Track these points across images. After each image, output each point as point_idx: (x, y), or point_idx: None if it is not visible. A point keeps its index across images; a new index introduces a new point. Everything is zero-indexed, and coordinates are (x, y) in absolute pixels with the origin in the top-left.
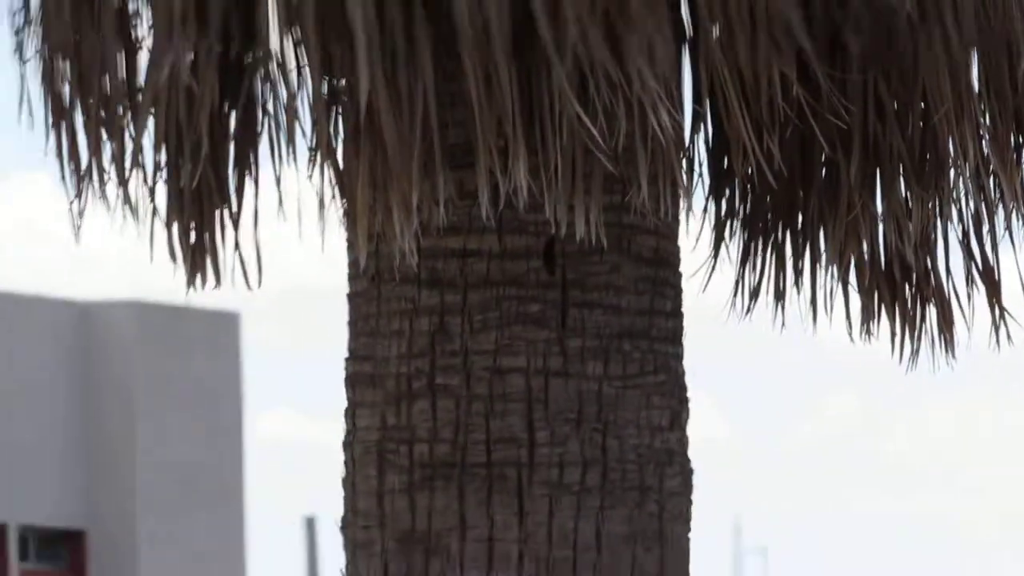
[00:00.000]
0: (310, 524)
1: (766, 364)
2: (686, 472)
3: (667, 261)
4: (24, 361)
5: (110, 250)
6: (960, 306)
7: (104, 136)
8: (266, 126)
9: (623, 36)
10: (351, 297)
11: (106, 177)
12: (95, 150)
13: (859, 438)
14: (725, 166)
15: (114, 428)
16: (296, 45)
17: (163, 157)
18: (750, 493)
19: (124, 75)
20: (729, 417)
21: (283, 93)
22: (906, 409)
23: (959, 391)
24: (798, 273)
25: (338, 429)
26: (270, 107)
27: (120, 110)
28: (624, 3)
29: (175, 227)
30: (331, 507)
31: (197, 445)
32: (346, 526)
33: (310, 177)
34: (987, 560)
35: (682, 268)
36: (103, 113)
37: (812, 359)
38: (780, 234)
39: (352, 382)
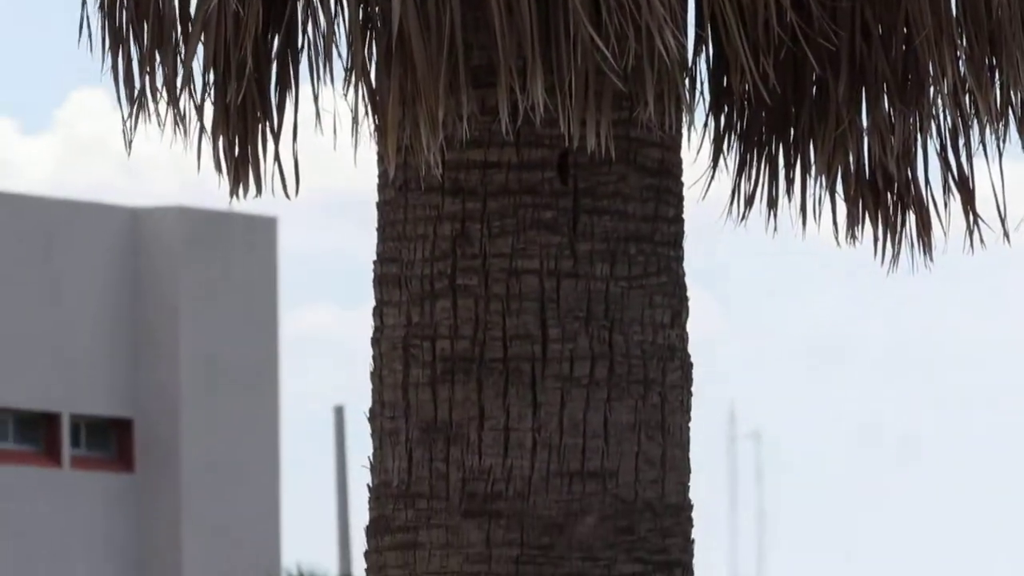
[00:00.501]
0: (340, 414)
1: (760, 266)
2: (686, 366)
3: (670, 171)
4: (78, 263)
5: (160, 161)
6: (937, 213)
7: (157, 58)
8: (306, 49)
9: None
10: (380, 205)
11: (159, 95)
12: (149, 71)
13: (844, 333)
14: (724, 85)
15: (159, 324)
16: None
17: (211, 77)
18: (744, 383)
19: (177, 1)
20: (725, 314)
21: (322, 18)
22: (886, 307)
23: (935, 291)
24: (789, 183)
25: (367, 326)
26: (310, 31)
27: (173, 34)
28: None
29: (221, 140)
30: (360, 399)
31: (235, 340)
32: (373, 416)
33: (345, 95)
34: (968, 443)
35: (683, 178)
36: (157, 37)
37: (799, 262)
38: (774, 147)
39: (380, 283)
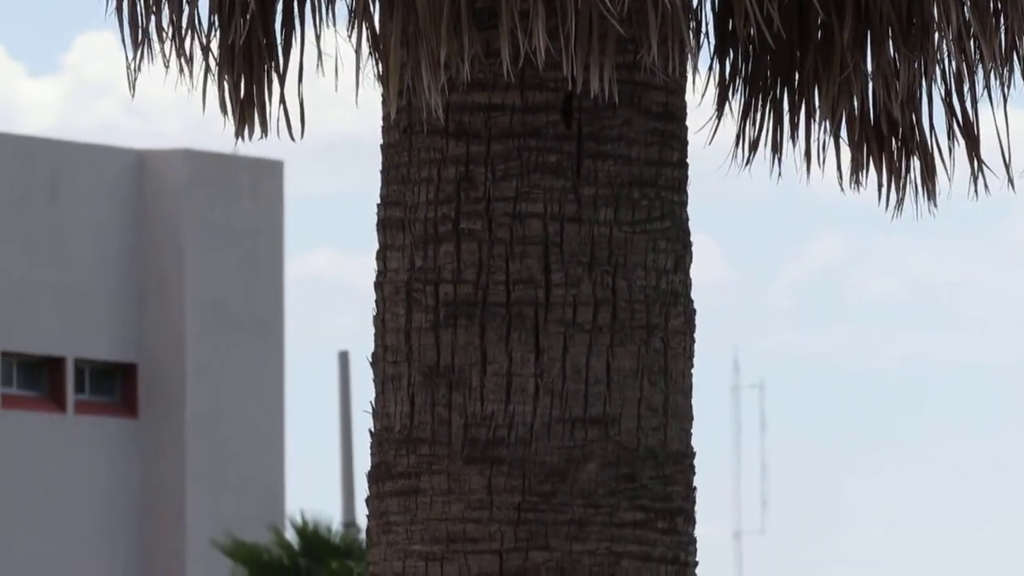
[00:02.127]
0: (344, 359)
1: (763, 212)
2: (689, 312)
3: (674, 115)
4: (84, 205)
5: (166, 103)
6: (942, 158)
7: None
8: None
9: None
10: (384, 148)
11: (165, 36)
12: (155, 11)
13: (846, 278)
14: (730, 28)
15: (164, 267)
16: None
17: (216, 18)
18: (749, 331)
19: None
20: (728, 260)
21: None
22: (889, 252)
23: (939, 236)
24: (794, 127)
25: (372, 271)
26: None
27: None
28: None
29: (226, 81)
30: (364, 343)
31: (240, 283)
32: (376, 361)
33: (349, 37)
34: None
35: (688, 122)
36: None
37: (804, 207)
38: (778, 91)
39: (383, 226)
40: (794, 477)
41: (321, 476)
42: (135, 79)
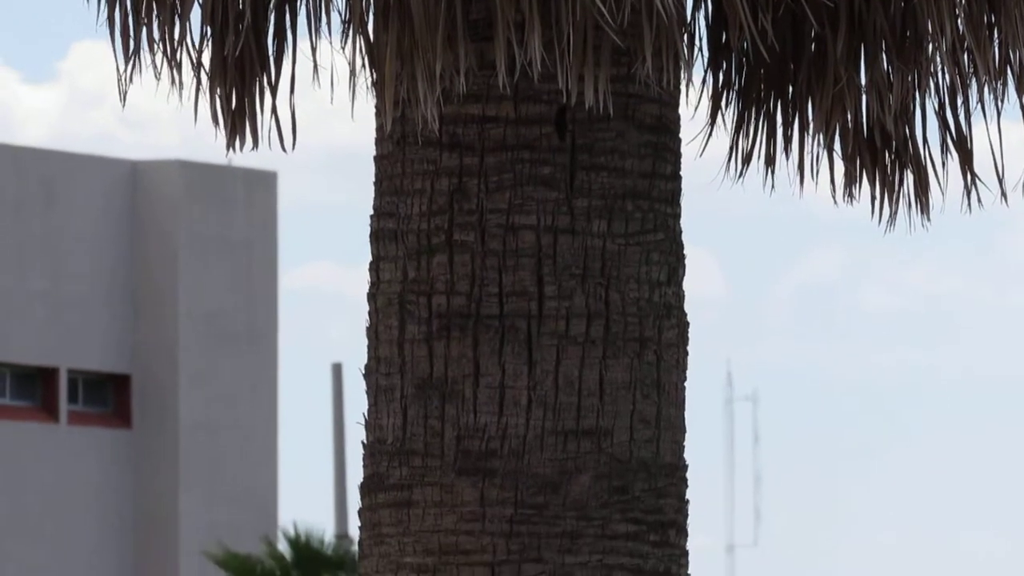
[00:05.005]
0: (337, 370)
1: (756, 225)
2: (682, 324)
3: (668, 128)
4: (78, 215)
5: (161, 114)
6: (935, 172)
7: (155, 9)
8: (304, 1)
9: None
10: (378, 159)
11: (156, 47)
12: (146, 23)
13: (840, 292)
14: (723, 41)
15: (158, 278)
16: None
17: (208, 29)
18: (742, 344)
19: None
20: (722, 273)
21: None
22: (883, 266)
23: (932, 250)
24: (787, 140)
25: (365, 282)
26: None
27: None
28: None
29: (218, 93)
30: (358, 355)
31: (234, 294)
32: (369, 373)
33: (343, 48)
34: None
35: (681, 135)
36: None
37: (798, 221)
38: (772, 104)
39: (377, 237)
40: (787, 490)
41: (314, 487)
42: (126, 90)
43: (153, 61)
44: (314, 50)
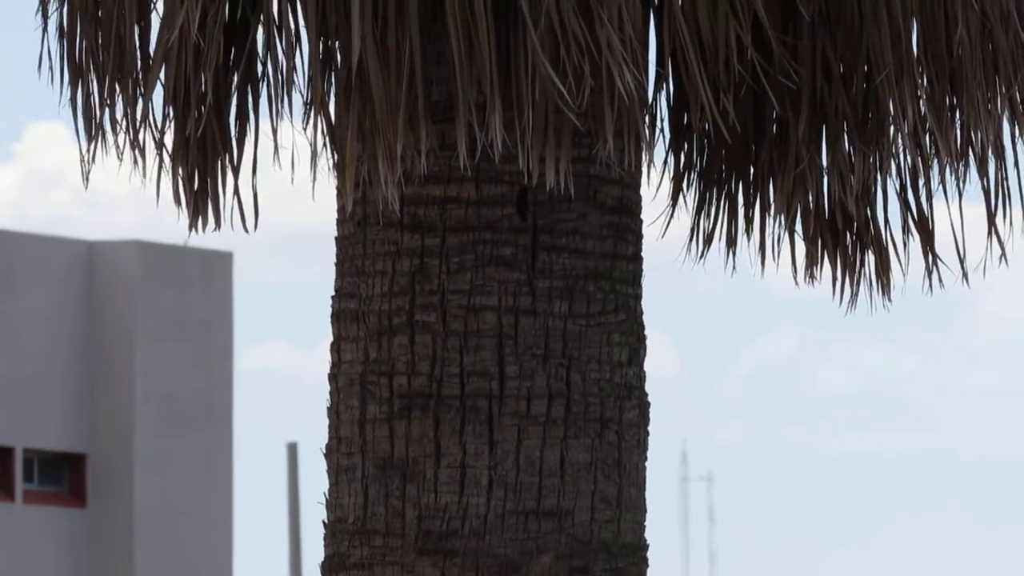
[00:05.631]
0: (292, 450)
1: (716, 306)
2: (643, 405)
3: (629, 209)
4: (35, 295)
5: (119, 194)
6: (896, 253)
7: (117, 90)
8: (265, 82)
9: (594, 7)
10: (339, 240)
11: (118, 127)
12: (109, 104)
13: (798, 372)
14: (685, 122)
15: (114, 358)
16: (294, 8)
17: (170, 110)
18: (697, 423)
19: (137, 32)
20: (680, 353)
21: (282, 51)
22: (841, 346)
23: (892, 330)
24: (749, 221)
25: (321, 362)
26: (269, 64)
27: (133, 66)
28: None
29: (180, 173)
30: (312, 435)
31: (190, 374)
32: (329, 452)
33: (304, 129)
34: (915, 499)
35: (643, 215)
36: (118, 68)
37: (757, 301)
38: (733, 185)
39: (338, 318)
40: (742, 570)
41: (269, 568)
42: (88, 171)
43: (116, 142)
44: (275, 130)
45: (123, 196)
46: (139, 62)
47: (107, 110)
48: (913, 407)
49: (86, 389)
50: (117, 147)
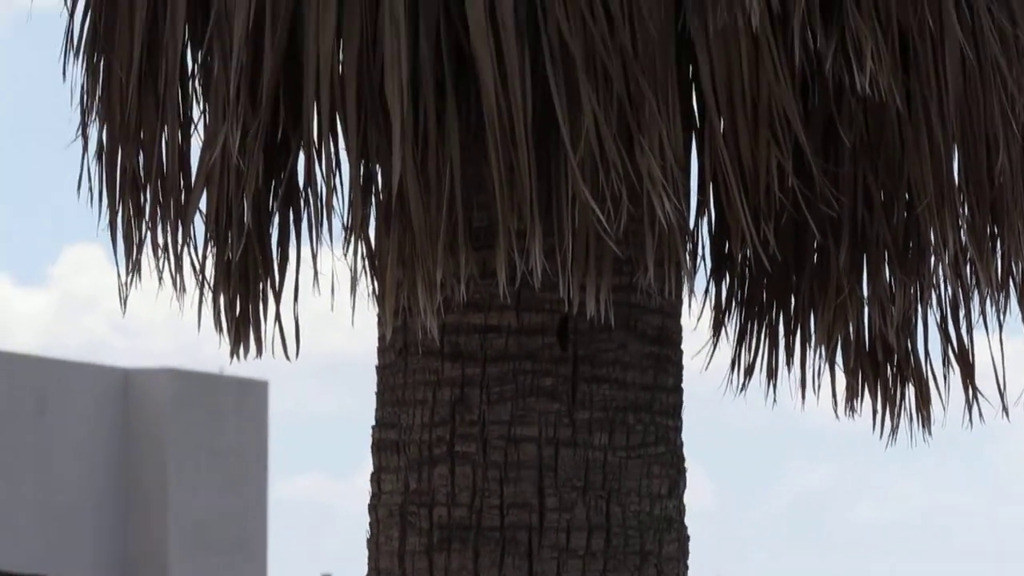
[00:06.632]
0: None
1: (754, 437)
2: (682, 538)
3: (670, 339)
4: (68, 422)
5: (153, 320)
6: (936, 386)
7: (159, 214)
8: (307, 206)
9: (635, 134)
10: (380, 369)
11: (160, 253)
12: (151, 228)
13: (838, 505)
14: (726, 250)
15: (148, 486)
16: (335, 130)
17: (212, 235)
18: (733, 557)
19: (179, 155)
20: (717, 485)
21: (322, 176)
22: (879, 479)
23: (933, 464)
24: (789, 353)
25: (356, 493)
26: (310, 189)
27: (175, 190)
28: (639, 100)
29: (221, 299)
30: (347, 566)
31: (224, 503)
32: None
33: (345, 255)
34: None
35: (683, 346)
36: (158, 193)
37: (796, 432)
38: (774, 316)
39: (378, 448)
40: None
41: None
42: (126, 296)
43: (158, 265)
44: (315, 257)
45: (158, 322)
46: (180, 184)
47: (149, 234)
48: (950, 542)
49: (119, 517)
50: (159, 271)
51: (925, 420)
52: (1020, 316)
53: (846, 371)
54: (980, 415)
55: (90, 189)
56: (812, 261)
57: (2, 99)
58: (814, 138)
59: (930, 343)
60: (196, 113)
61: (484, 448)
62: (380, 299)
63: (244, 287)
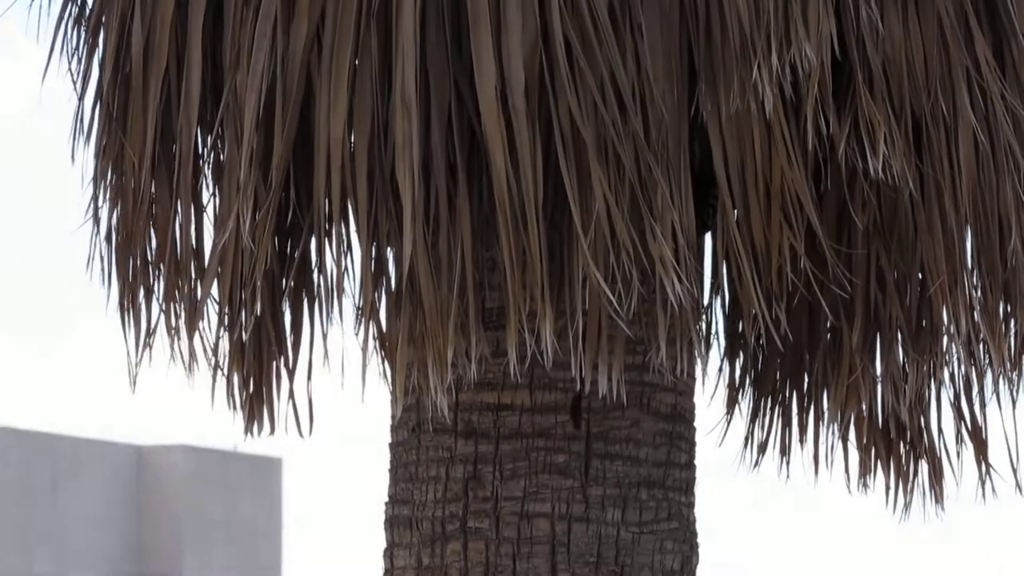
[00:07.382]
0: None
1: (768, 514)
2: None
3: (683, 417)
4: (82, 499)
5: (166, 397)
6: (950, 462)
7: (175, 294)
8: (318, 288)
9: (647, 219)
10: (392, 446)
11: (173, 333)
12: (164, 308)
13: None
14: (739, 330)
15: (162, 562)
16: (346, 212)
17: (225, 315)
18: None
19: (192, 236)
20: (729, 560)
21: (332, 259)
22: (895, 556)
23: (946, 540)
24: (803, 430)
25: (368, 570)
26: (320, 272)
27: (187, 271)
28: (652, 186)
29: (235, 378)
30: None
31: None
32: None
33: (356, 334)
34: None
35: (697, 422)
36: (172, 274)
37: (810, 510)
38: (787, 394)
39: (391, 524)
40: None
41: None
42: (136, 375)
43: (173, 344)
44: (325, 336)
45: (171, 399)
46: (193, 266)
47: (162, 316)
48: None
49: None
50: (172, 350)
51: (938, 496)
52: None
53: (859, 448)
54: (993, 491)
55: (102, 271)
56: (825, 340)
57: (22, 172)
58: (827, 221)
59: (943, 420)
60: (206, 195)
61: (497, 524)
62: (391, 378)
63: (257, 365)
